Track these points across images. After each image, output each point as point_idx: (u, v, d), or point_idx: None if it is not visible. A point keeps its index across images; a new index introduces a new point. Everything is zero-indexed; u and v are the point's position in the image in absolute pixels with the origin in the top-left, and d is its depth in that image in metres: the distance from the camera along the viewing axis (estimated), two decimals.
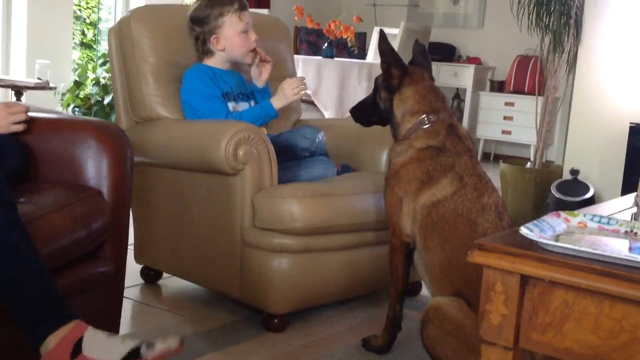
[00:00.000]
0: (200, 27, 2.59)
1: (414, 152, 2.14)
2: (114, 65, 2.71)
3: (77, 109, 5.23)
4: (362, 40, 6.53)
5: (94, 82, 5.29)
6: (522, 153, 6.60)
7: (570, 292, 1.14)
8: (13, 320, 1.56)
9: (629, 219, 1.49)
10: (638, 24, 4.09)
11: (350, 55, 6.25)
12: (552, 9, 4.22)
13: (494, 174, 4.82)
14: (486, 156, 6.97)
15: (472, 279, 1.86)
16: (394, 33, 5.54)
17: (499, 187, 4.13)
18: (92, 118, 2.13)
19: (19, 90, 4.79)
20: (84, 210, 1.80)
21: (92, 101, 5.22)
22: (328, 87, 5.07)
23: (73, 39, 5.96)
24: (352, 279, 2.50)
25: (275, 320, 2.38)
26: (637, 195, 1.80)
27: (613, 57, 4.16)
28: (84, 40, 6.72)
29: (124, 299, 2.11)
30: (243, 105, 2.64)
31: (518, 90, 6.56)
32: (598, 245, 1.22)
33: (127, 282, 2.12)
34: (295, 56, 3.77)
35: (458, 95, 7.13)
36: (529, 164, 4.48)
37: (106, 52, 4.99)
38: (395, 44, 5.30)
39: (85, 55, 6.60)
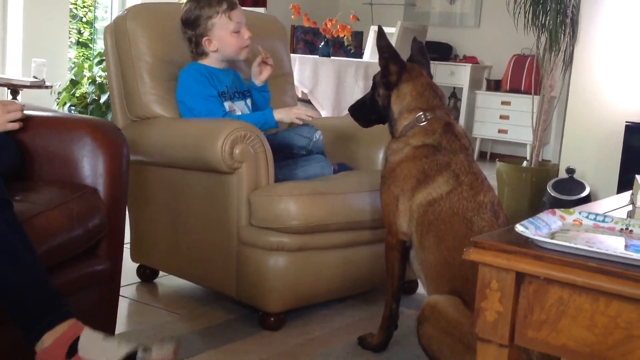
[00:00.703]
0: (192, 29, 2.59)
1: (410, 150, 2.14)
2: (110, 64, 2.71)
3: (73, 107, 5.22)
4: (358, 39, 6.53)
5: (90, 80, 5.28)
6: (519, 152, 6.61)
7: (565, 289, 1.15)
8: (10, 318, 1.56)
9: (625, 217, 1.50)
10: (634, 23, 4.09)
11: (347, 54, 6.25)
12: (548, 8, 4.23)
13: (491, 173, 4.83)
14: (482, 155, 6.97)
15: (468, 278, 1.87)
16: (391, 32, 5.53)
17: (495, 186, 4.13)
18: (88, 116, 2.13)
19: (15, 88, 4.78)
20: (80, 208, 1.80)
21: (89, 100, 5.21)
22: (324, 86, 5.07)
23: (69, 37, 5.95)
24: (348, 277, 2.50)
25: (272, 319, 2.38)
26: (632, 193, 1.81)
27: (609, 56, 4.17)
28: (80, 39, 6.71)
29: (120, 297, 2.11)
30: (239, 104, 2.64)
31: (514, 89, 6.57)
32: (593, 242, 1.22)
33: (123, 281, 2.12)
34: (291, 55, 3.77)
35: (455, 94, 7.13)
36: (525, 163, 4.49)
37: (102, 50, 4.99)
38: (392, 43, 5.29)
39: (81, 54, 6.59)
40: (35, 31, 5.37)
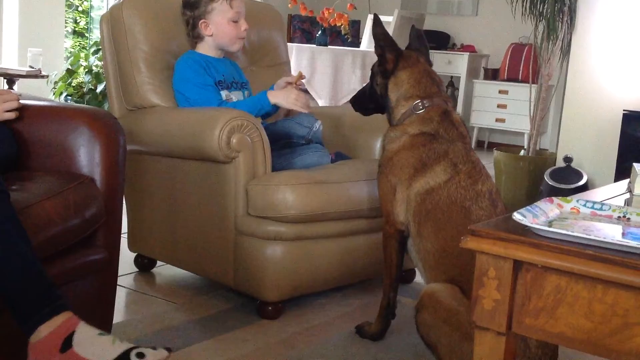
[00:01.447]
0: (191, 11, 2.59)
1: (407, 139, 2.14)
2: (106, 53, 2.70)
3: (69, 97, 5.20)
4: (356, 28, 6.51)
5: (86, 70, 5.27)
6: (516, 141, 6.61)
7: (563, 277, 1.15)
8: (5, 308, 1.55)
9: (622, 205, 1.50)
10: (631, 11, 4.09)
11: (344, 43, 6.23)
12: None
13: (488, 162, 4.83)
14: (480, 144, 6.97)
15: (466, 266, 1.86)
16: (388, 20, 5.52)
17: (492, 175, 4.13)
18: (84, 106, 2.12)
19: (11, 78, 4.76)
20: (76, 197, 1.80)
21: (85, 89, 5.19)
22: (322, 75, 5.05)
23: (65, 27, 5.92)
24: (345, 266, 2.50)
25: (269, 308, 2.39)
26: (630, 181, 1.81)
27: (607, 44, 4.16)
28: (76, 28, 6.68)
29: (117, 287, 2.11)
30: (237, 94, 2.63)
31: (512, 78, 6.56)
32: (591, 230, 1.22)
33: (120, 270, 2.12)
34: (288, 44, 3.76)
35: (452, 83, 7.12)
36: (522, 152, 4.49)
37: (98, 40, 4.97)
38: (389, 32, 5.28)
39: (77, 43, 6.57)
40: (31, 20, 5.34)
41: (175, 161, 2.52)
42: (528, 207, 1.28)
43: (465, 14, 7.16)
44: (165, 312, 2.40)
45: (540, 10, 4.26)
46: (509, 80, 6.58)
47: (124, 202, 2.09)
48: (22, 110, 1.95)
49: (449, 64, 6.92)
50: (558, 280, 1.15)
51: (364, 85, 2.40)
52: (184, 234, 2.54)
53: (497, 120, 6.65)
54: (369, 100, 2.34)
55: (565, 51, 4.32)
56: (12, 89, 4.70)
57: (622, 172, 3.86)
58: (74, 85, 5.25)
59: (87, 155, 1.92)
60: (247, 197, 2.34)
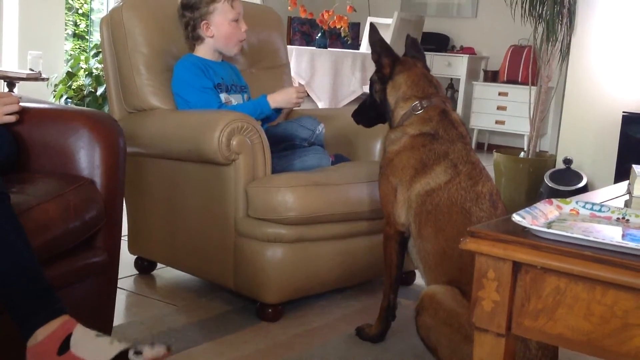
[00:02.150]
0: (191, 12, 2.59)
1: (407, 140, 2.15)
2: (106, 56, 2.70)
3: (69, 100, 5.21)
4: (355, 30, 6.52)
5: (86, 73, 5.27)
6: (516, 143, 6.61)
7: (562, 279, 1.15)
8: (5, 311, 1.56)
9: (621, 206, 1.50)
10: (631, 13, 4.09)
11: (344, 45, 6.23)
12: None
13: (488, 164, 4.82)
14: (480, 146, 6.97)
15: (467, 268, 1.87)
16: (388, 23, 5.53)
17: (492, 177, 4.14)
18: (84, 108, 2.12)
19: (11, 81, 4.77)
20: (77, 200, 1.80)
21: (85, 92, 5.20)
22: (321, 78, 5.06)
23: (65, 29, 5.93)
24: (345, 268, 2.50)
25: (270, 310, 2.39)
26: (629, 183, 1.81)
27: (606, 46, 4.16)
28: (77, 31, 6.69)
29: (117, 289, 2.11)
30: (236, 97, 2.63)
31: (511, 80, 6.56)
32: (590, 232, 1.22)
33: (121, 273, 2.12)
34: (288, 46, 3.76)
35: (452, 85, 7.12)
36: (522, 154, 4.49)
37: (99, 42, 4.97)
38: (388, 34, 5.29)
39: (77, 46, 6.57)
40: (31, 23, 5.35)
41: (175, 163, 2.52)
42: (527, 209, 1.28)
43: (464, 16, 7.17)
44: (165, 315, 2.40)
45: (540, 12, 4.27)
46: (508, 82, 6.58)
47: (124, 204, 2.09)
48: (23, 113, 1.95)
49: (449, 66, 6.93)
50: (557, 282, 1.15)
51: (365, 98, 2.42)
52: (184, 236, 2.54)
53: (496, 122, 6.65)
54: (370, 110, 2.35)
55: (565, 53, 4.32)
56: (13, 91, 4.71)
57: (621, 173, 3.86)
58: (74, 87, 5.26)
59: (87, 158, 1.92)
60: (247, 199, 2.34)
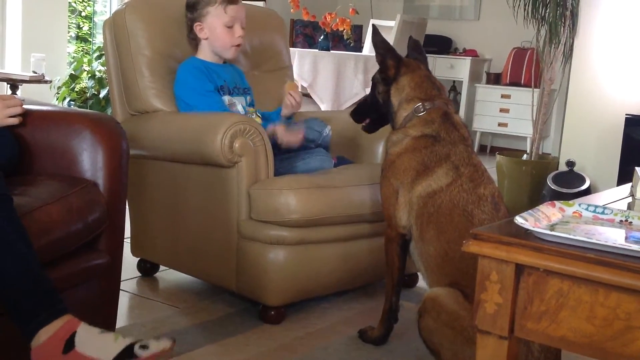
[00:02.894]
0: (191, 13, 2.59)
1: (409, 141, 2.15)
2: (109, 58, 2.70)
3: (72, 102, 5.22)
4: (358, 32, 6.52)
5: (89, 75, 5.28)
6: (519, 145, 6.61)
7: (565, 281, 1.15)
8: (6, 312, 1.56)
9: (624, 209, 1.50)
10: (634, 15, 4.09)
11: (346, 47, 6.24)
12: (547, 0, 4.22)
13: (491, 166, 4.82)
14: (482, 148, 6.97)
15: (469, 271, 1.86)
16: (390, 25, 5.53)
17: (495, 179, 4.13)
18: (87, 110, 2.13)
19: (14, 83, 4.78)
20: (79, 202, 1.80)
21: (88, 94, 5.21)
22: (324, 80, 5.06)
23: (68, 32, 5.94)
24: (348, 270, 2.50)
25: (272, 312, 2.39)
26: (632, 185, 1.81)
27: (609, 48, 4.16)
28: (80, 34, 6.70)
29: (120, 291, 2.11)
30: (239, 100, 2.63)
31: (514, 83, 6.56)
32: (593, 234, 1.22)
33: (123, 275, 2.12)
34: (291, 49, 3.76)
35: (454, 87, 7.12)
36: (525, 156, 4.49)
37: (101, 45, 4.98)
38: (391, 36, 5.29)
39: (80, 49, 6.58)
40: (34, 26, 5.36)
41: (177, 165, 2.52)
42: (530, 211, 1.28)
43: (467, 19, 7.17)
44: (167, 317, 2.41)
45: (543, 14, 4.27)
46: (511, 84, 6.58)
47: (126, 206, 2.09)
48: (26, 115, 1.95)
49: (451, 69, 6.93)
50: (560, 284, 1.15)
51: (364, 96, 2.41)
52: (187, 238, 2.55)
53: (499, 124, 6.65)
54: (370, 110, 2.35)
55: (568, 55, 4.32)
56: (16, 94, 4.72)
57: (624, 176, 3.85)
58: (77, 90, 5.27)
59: (90, 160, 1.92)
60: (249, 201, 2.34)
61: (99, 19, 6.58)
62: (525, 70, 6.47)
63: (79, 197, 1.82)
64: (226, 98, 2.58)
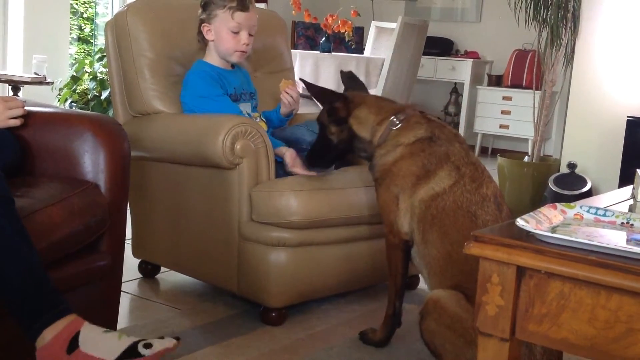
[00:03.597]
0: (202, 12, 2.59)
1: (404, 149, 2.13)
2: (111, 60, 2.71)
3: (74, 104, 5.22)
4: (359, 34, 6.53)
5: (91, 77, 5.28)
6: (520, 147, 6.60)
7: (566, 283, 1.15)
8: (9, 313, 1.56)
9: (626, 211, 1.50)
10: (635, 17, 4.09)
11: (348, 49, 6.24)
12: (549, 2, 4.22)
13: (492, 168, 4.82)
14: (484, 150, 6.97)
15: (473, 272, 1.85)
16: (392, 27, 5.53)
17: (496, 181, 4.13)
18: (89, 112, 2.13)
19: (16, 85, 4.78)
20: (81, 203, 1.80)
21: (90, 96, 5.20)
22: (325, 82, 5.06)
23: (70, 33, 5.94)
24: (349, 272, 2.50)
25: (273, 314, 2.39)
26: (633, 188, 1.81)
27: (610, 50, 4.16)
28: (81, 35, 6.70)
29: (121, 293, 2.11)
30: (245, 106, 2.62)
31: (516, 85, 6.56)
32: (594, 236, 1.22)
33: (125, 277, 2.12)
34: (292, 51, 3.77)
35: (456, 89, 7.12)
36: (526, 158, 4.48)
37: (103, 47, 4.99)
38: (392, 39, 5.29)
39: (82, 50, 6.59)
40: (36, 27, 5.36)
41: (179, 167, 2.52)
42: (531, 213, 1.28)
43: (468, 21, 7.17)
44: (169, 318, 2.41)
45: (544, 16, 4.27)
46: (512, 86, 6.58)
47: (128, 208, 2.09)
48: (27, 116, 1.96)
49: (453, 70, 6.93)
50: (561, 286, 1.15)
51: (311, 143, 2.39)
52: (188, 240, 2.55)
53: (501, 126, 6.64)
54: (328, 151, 2.31)
55: (569, 57, 4.32)
56: (17, 95, 4.72)
57: (626, 178, 3.85)
58: (79, 91, 5.27)
59: (92, 162, 1.92)
60: (250, 203, 2.34)
61: (101, 21, 6.59)
62: (526, 72, 6.47)
63: (80, 198, 1.82)
64: None
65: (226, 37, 2.55)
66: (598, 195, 1.91)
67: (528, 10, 4.29)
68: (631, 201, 1.73)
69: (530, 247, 1.17)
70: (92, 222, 1.84)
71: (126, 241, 2.08)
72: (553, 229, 1.24)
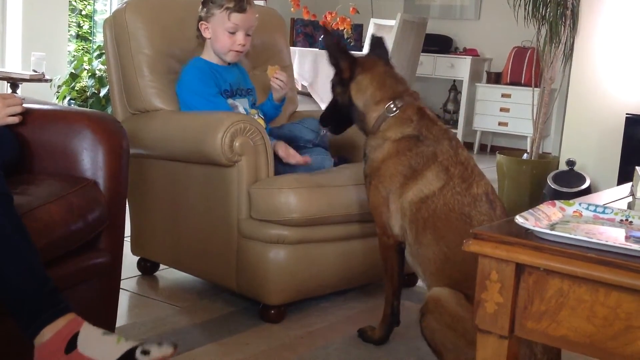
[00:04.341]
0: (202, 10, 2.58)
1: (391, 145, 2.10)
2: (110, 57, 2.70)
3: (72, 101, 5.22)
4: (358, 32, 6.52)
5: (89, 74, 5.28)
6: (519, 144, 6.61)
7: (565, 281, 1.15)
8: (8, 312, 1.56)
9: (625, 208, 1.50)
10: (634, 14, 4.08)
11: (347, 47, 6.22)
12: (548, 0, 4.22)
13: (491, 166, 4.83)
14: (483, 148, 6.97)
15: (471, 273, 1.85)
16: (391, 24, 5.53)
17: (495, 179, 4.13)
18: (87, 109, 2.13)
19: (14, 82, 4.78)
20: (80, 201, 1.80)
21: (88, 93, 5.21)
22: (324, 79, 5.05)
23: (69, 31, 5.94)
24: (348, 270, 2.50)
25: (272, 311, 2.39)
26: (632, 185, 1.81)
27: (609, 48, 4.16)
28: (80, 32, 6.69)
29: (120, 290, 2.11)
30: (242, 102, 2.62)
31: (515, 82, 6.56)
32: (593, 233, 1.22)
33: (124, 274, 2.12)
34: (291, 48, 3.76)
35: (455, 86, 7.12)
36: (525, 155, 4.48)
37: (102, 44, 4.98)
38: (391, 36, 5.29)
39: (80, 47, 6.58)
40: (34, 24, 5.36)
41: (178, 165, 2.52)
42: (530, 211, 1.28)
43: (467, 18, 7.17)
44: (168, 316, 2.41)
45: (543, 14, 4.26)
46: (511, 84, 6.58)
47: (127, 205, 2.09)
48: (26, 114, 1.95)
49: (452, 68, 6.92)
50: (560, 284, 1.15)
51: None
52: (187, 237, 2.55)
53: (499, 123, 6.64)
54: (336, 113, 2.31)
55: (568, 55, 4.31)
56: (16, 92, 4.72)
57: (625, 175, 3.85)
58: (78, 89, 5.27)
59: (91, 159, 1.92)
60: (249, 200, 2.34)
61: (100, 18, 6.58)
62: (525, 69, 6.46)
63: (79, 196, 1.82)
64: (229, 101, 2.57)
65: (222, 37, 2.55)
66: (597, 193, 1.91)
67: (527, 7, 4.28)
68: (630, 198, 1.73)
69: (529, 244, 1.17)
70: (90, 220, 1.83)
71: (125, 239, 2.08)
72: (552, 226, 1.24)
